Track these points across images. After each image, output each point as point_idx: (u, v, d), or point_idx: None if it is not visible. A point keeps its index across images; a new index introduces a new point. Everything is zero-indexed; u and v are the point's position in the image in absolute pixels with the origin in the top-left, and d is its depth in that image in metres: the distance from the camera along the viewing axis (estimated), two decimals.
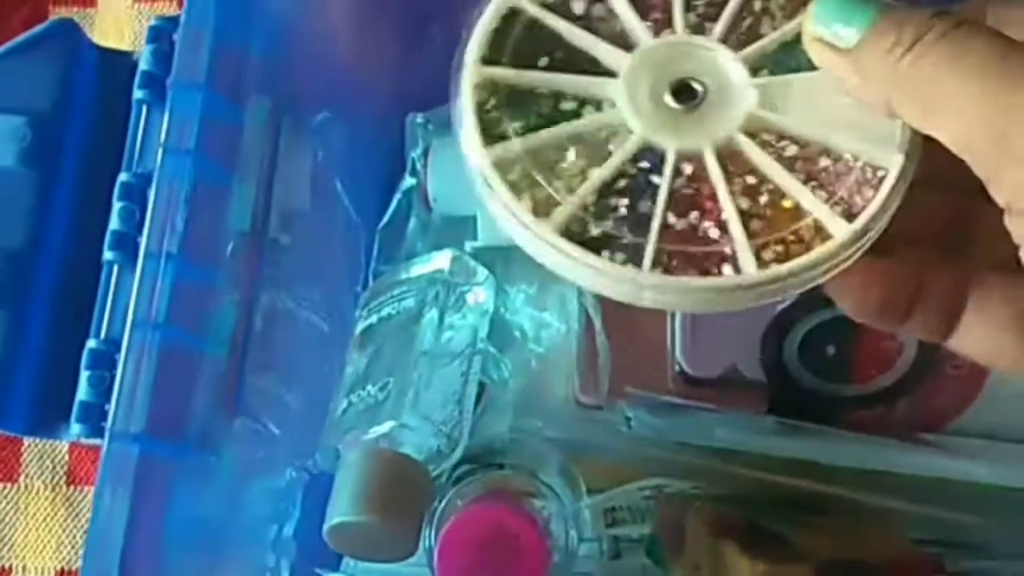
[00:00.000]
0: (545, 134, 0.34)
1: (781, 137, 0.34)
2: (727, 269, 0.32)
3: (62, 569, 0.61)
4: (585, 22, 0.36)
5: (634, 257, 0.32)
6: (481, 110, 0.35)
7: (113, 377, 0.39)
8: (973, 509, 0.49)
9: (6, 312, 0.41)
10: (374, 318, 0.53)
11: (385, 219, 0.57)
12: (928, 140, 0.31)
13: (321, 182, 0.54)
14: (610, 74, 0.35)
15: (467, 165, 0.35)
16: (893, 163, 0.33)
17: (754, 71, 0.35)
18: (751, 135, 0.34)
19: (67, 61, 0.43)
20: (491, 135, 0.34)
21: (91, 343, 0.40)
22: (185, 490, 0.41)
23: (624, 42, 0.35)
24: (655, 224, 0.33)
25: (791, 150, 0.34)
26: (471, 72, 0.35)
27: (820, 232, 0.33)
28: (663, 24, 0.36)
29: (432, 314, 0.51)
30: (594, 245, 0.33)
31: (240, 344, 0.43)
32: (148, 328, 0.38)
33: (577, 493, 0.49)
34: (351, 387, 0.50)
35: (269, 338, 0.46)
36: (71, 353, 0.40)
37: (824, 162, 0.34)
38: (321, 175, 0.54)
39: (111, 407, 0.38)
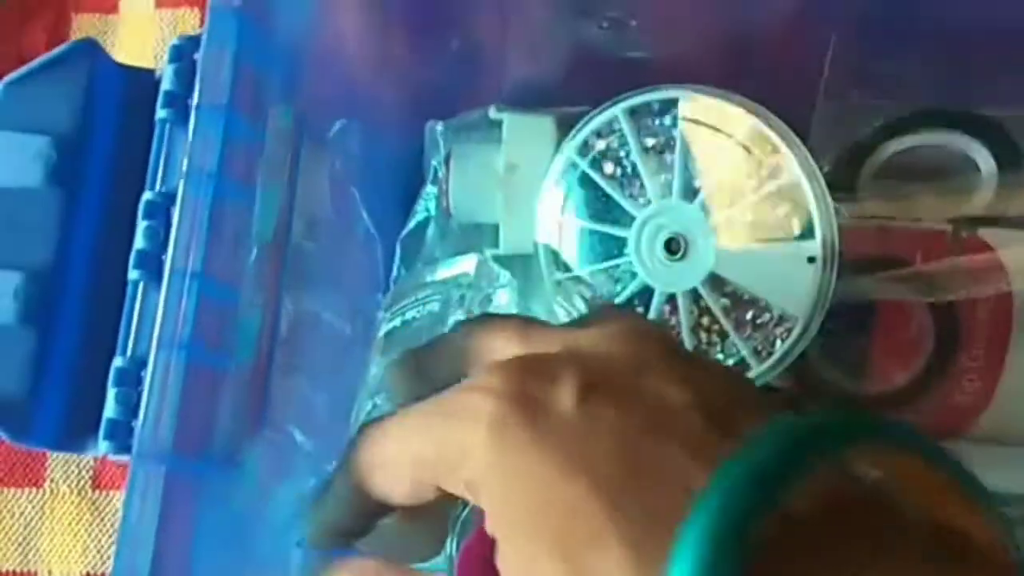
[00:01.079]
0: (587, 269, 0.49)
1: (727, 288, 0.47)
2: None
3: (88, 573, 0.61)
4: (617, 181, 0.48)
5: None
6: (548, 247, 0.49)
7: (139, 394, 0.39)
8: None
9: (33, 330, 0.41)
10: (398, 321, 0.53)
11: (408, 228, 0.57)
12: None
13: (339, 190, 0.55)
14: (629, 223, 0.48)
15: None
16: (800, 317, 0.46)
17: (720, 231, 0.47)
18: (709, 285, 0.47)
19: (89, 80, 0.44)
20: (556, 263, 0.49)
21: (117, 361, 0.40)
22: (212, 504, 0.42)
23: (641, 199, 0.48)
24: None
25: (733, 299, 0.47)
26: (545, 217, 0.49)
27: (743, 365, 0.47)
28: (666, 186, 0.47)
29: (457, 317, 0.51)
30: None
31: (265, 351, 0.44)
32: (174, 347, 0.39)
33: None
34: (375, 390, 0.50)
35: (293, 343, 0.46)
36: (97, 370, 0.41)
37: (753, 311, 0.47)
38: (339, 183, 0.55)
39: (138, 426, 0.39)
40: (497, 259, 0.53)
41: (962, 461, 0.24)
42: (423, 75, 0.56)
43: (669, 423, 0.25)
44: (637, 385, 0.27)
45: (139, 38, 0.65)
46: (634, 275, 0.48)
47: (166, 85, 0.42)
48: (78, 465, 0.63)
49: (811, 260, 0.46)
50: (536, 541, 0.25)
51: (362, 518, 0.33)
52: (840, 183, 0.49)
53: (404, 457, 0.30)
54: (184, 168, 0.40)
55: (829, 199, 0.46)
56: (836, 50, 0.48)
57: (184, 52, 0.42)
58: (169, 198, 0.41)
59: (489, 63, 0.56)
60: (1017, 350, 0.50)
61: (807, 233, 0.47)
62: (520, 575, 0.25)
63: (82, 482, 0.62)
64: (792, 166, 0.46)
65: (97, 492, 0.62)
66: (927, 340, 0.50)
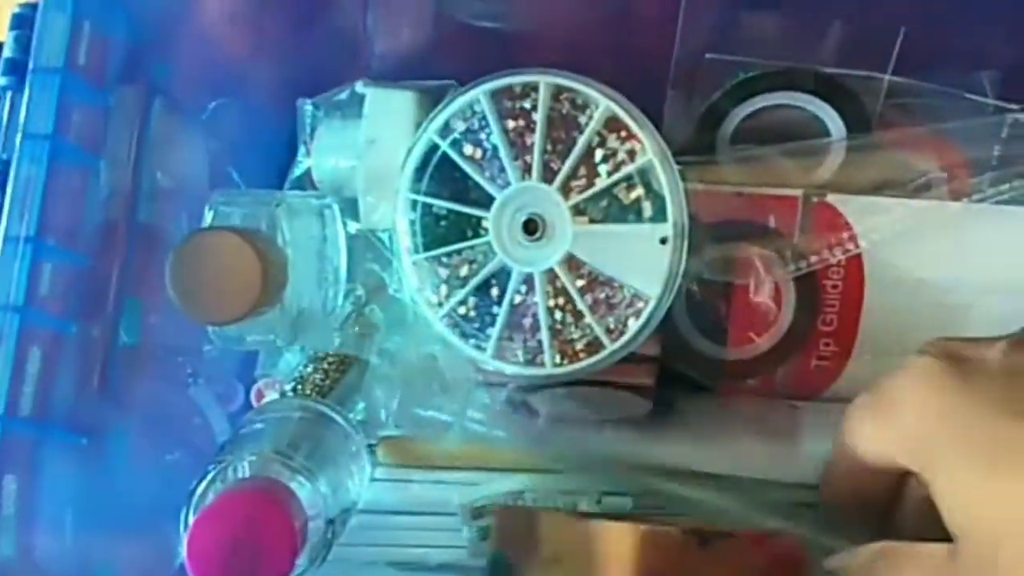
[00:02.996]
0: (443, 249, 0.49)
1: (583, 268, 0.48)
2: (540, 362, 0.48)
3: None
4: (478, 162, 0.48)
5: (484, 346, 0.48)
6: (410, 225, 0.49)
7: None
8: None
9: None
10: None
11: None
12: None
13: (217, 171, 0.55)
14: (488, 204, 0.48)
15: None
16: (652, 297, 0.47)
17: (577, 213, 0.47)
18: (566, 265, 0.47)
19: None
20: (415, 244, 0.49)
21: None
22: (57, 471, 0.41)
23: (500, 180, 0.48)
24: (499, 324, 0.48)
25: (588, 279, 0.48)
26: (402, 196, 0.48)
27: (598, 344, 0.48)
28: (526, 168, 0.48)
29: None
30: (463, 333, 0.49)
31: (110, 326, 0.44)
32: (7, 311, 0.39)
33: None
34: None
35: (142, 319, 0.46)
36: None
37: (608, 291, 0.48)
38: (217, 164, 0.55)
39: None
40: (360, 233, 0.53)
41: None
42: (296, 54, 0.57)
43: None
44: None
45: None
46: (492, 255, 0.49)
47: (7, 52, 0.42)
48: None
49: (663, 241, 0.47)
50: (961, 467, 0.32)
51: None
52: (697, 147, 0.50)
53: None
54: (20, 131, 0.40)
55: (680, 182, 0.47)
56: (688, 13, 0.49)
57: (26, 19, 0.42)
58: (8, 164, 0.41)
59: (360, 39, 0.56)
60: (870, 313, 0.51)
61: (660, 215, 0.48)
62: (951, 491, 0.33)
63: None
64: (646, 151, 0.47)
65: None
66: (785, 306, 0.51)
